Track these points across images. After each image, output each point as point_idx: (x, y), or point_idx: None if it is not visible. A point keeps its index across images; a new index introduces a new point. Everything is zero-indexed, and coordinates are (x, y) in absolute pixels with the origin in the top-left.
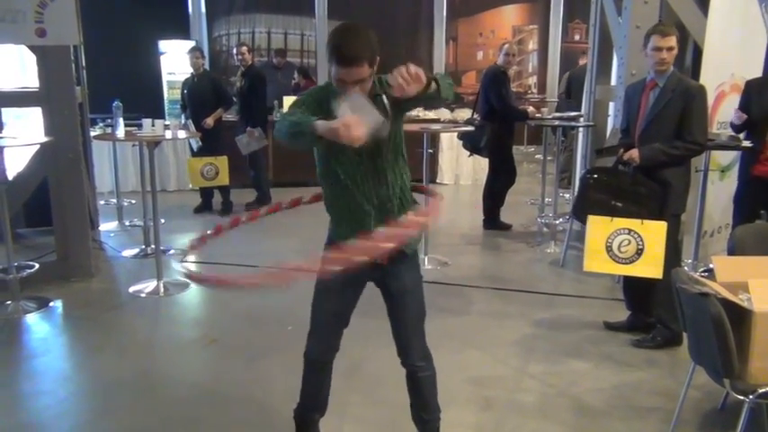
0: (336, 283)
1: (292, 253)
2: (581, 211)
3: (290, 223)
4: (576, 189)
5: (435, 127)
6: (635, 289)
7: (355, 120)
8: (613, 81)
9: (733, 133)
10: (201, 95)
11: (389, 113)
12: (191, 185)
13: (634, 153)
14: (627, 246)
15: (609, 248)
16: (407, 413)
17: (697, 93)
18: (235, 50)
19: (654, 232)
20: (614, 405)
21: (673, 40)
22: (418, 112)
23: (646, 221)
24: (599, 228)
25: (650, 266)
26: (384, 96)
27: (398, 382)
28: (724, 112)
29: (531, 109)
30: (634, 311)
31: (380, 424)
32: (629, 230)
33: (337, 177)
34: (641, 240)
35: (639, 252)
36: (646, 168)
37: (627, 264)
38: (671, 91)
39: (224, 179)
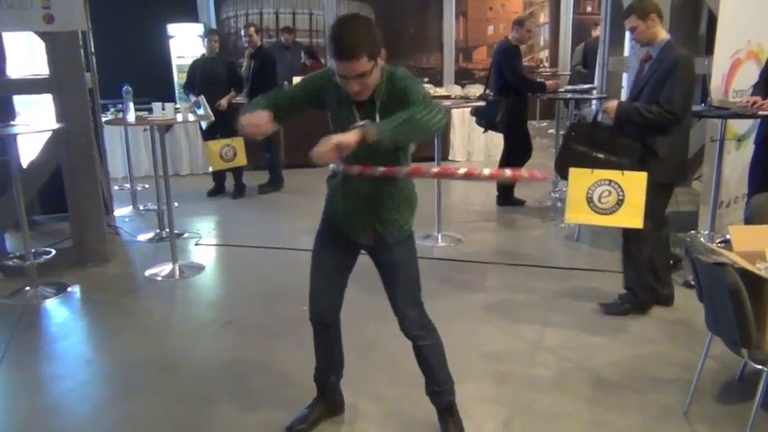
0: (329, 248)
1: (307, 234)
2: (563, 166)
3: (303, 204)
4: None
5: (446, 103)
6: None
7: (249, 119)
8: (627, 52)
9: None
10: (215, 77)
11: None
12: (210, 168)
13: (612, 104)
14: (607, 197)
15: (590, 200)
16: (422, 389)
17: (679, 62)
18: (243, 32)
19: (634, 182)
20: (631, 377)
21: (632, 21)
22: (428, 90)
23: (627, 172)
24: (580, 180)
25: (630, 216)
26: (385, 103)
27: (413, 359)
28: (740, 80)
29: (549, 82)
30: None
31: (396, 400)
32: (610, 181)
33: None
34: (621, 191)
35: (620, 202)
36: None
37: (607, 214)
38: (659, 62)
39: (242, 160)
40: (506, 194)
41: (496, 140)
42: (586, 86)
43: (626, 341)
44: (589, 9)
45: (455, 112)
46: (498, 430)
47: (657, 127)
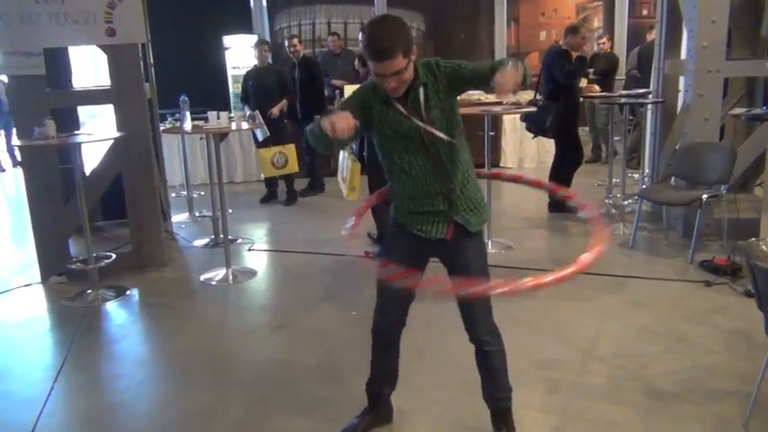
0: (400, 258)
1: (357, 240)
2: None
3: (353, 209)
4: None
5: (497, 109)
6: None
7: (338, 116)
8: (683, 55)
9: None
10: (266, 87)
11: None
12: (262, 176)
13: None
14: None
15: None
16: (475, 394)
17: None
18: (287, 43)
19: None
20: (687, 388)
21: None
22: (479, 96)
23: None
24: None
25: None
26: (427, 86)
27: (464, 364)
28: None
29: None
30: None
31: (445, 405)
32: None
33: (400, 167)
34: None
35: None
36: None
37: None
38: None
39: (294, 166)
40: (559, 201)
41: (548, 147)
42: (641, 91)
43: (682, 351)
44: (645, 12)
45: (506, 119)
46: None
47: None
